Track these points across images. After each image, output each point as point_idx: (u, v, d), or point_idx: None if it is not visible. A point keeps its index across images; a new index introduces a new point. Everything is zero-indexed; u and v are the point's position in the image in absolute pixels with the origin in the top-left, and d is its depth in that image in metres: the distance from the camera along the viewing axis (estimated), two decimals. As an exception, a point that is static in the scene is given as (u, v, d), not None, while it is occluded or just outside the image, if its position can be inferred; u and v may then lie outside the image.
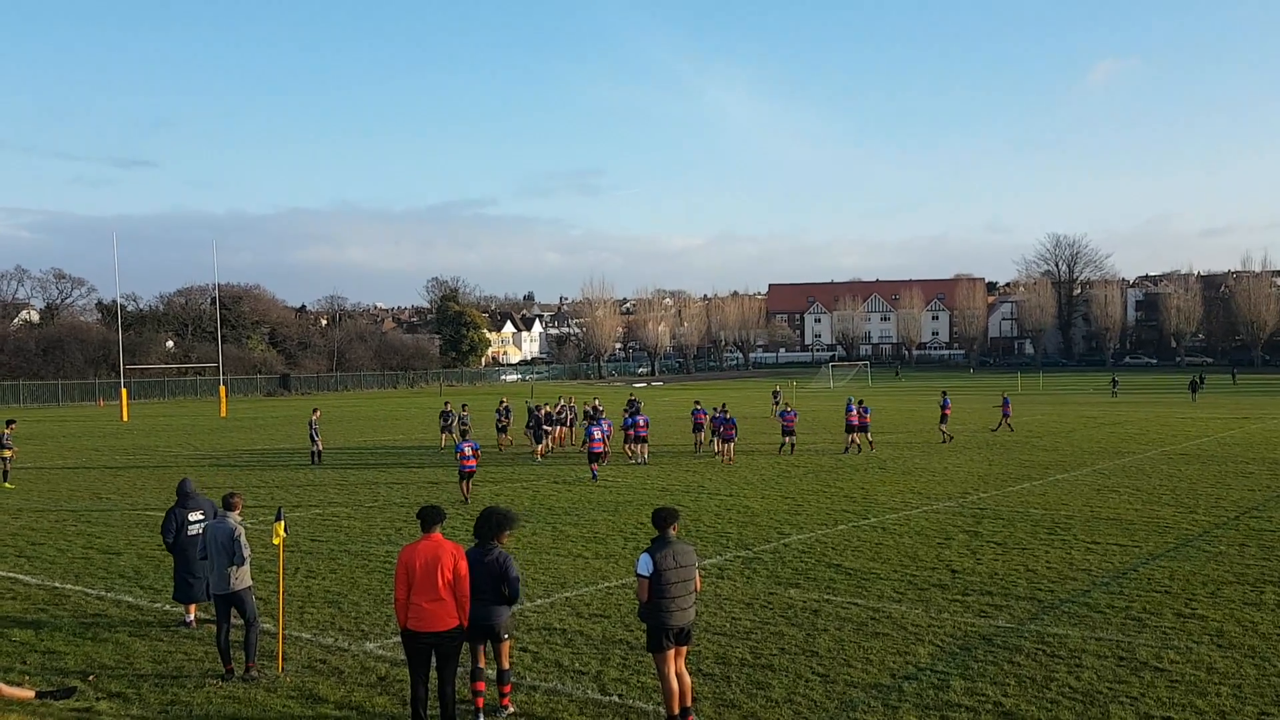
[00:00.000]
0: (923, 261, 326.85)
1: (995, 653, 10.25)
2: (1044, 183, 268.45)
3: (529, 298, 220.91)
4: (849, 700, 8.94)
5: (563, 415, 34.64)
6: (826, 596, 12.71)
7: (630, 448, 29.66)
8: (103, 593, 13.36)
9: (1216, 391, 71.86)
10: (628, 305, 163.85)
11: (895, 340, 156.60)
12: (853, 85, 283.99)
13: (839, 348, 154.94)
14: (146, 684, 9.54)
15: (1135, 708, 8.66)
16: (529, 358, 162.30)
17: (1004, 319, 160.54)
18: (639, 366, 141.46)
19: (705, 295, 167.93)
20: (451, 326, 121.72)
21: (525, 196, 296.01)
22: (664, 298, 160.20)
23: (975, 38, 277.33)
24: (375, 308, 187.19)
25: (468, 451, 21.59)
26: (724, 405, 30.19)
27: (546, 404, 33.62)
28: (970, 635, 10.91)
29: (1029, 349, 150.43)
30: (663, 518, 8.45)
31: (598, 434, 25.40)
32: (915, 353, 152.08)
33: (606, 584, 13.54)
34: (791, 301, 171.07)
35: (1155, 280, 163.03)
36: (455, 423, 33.23)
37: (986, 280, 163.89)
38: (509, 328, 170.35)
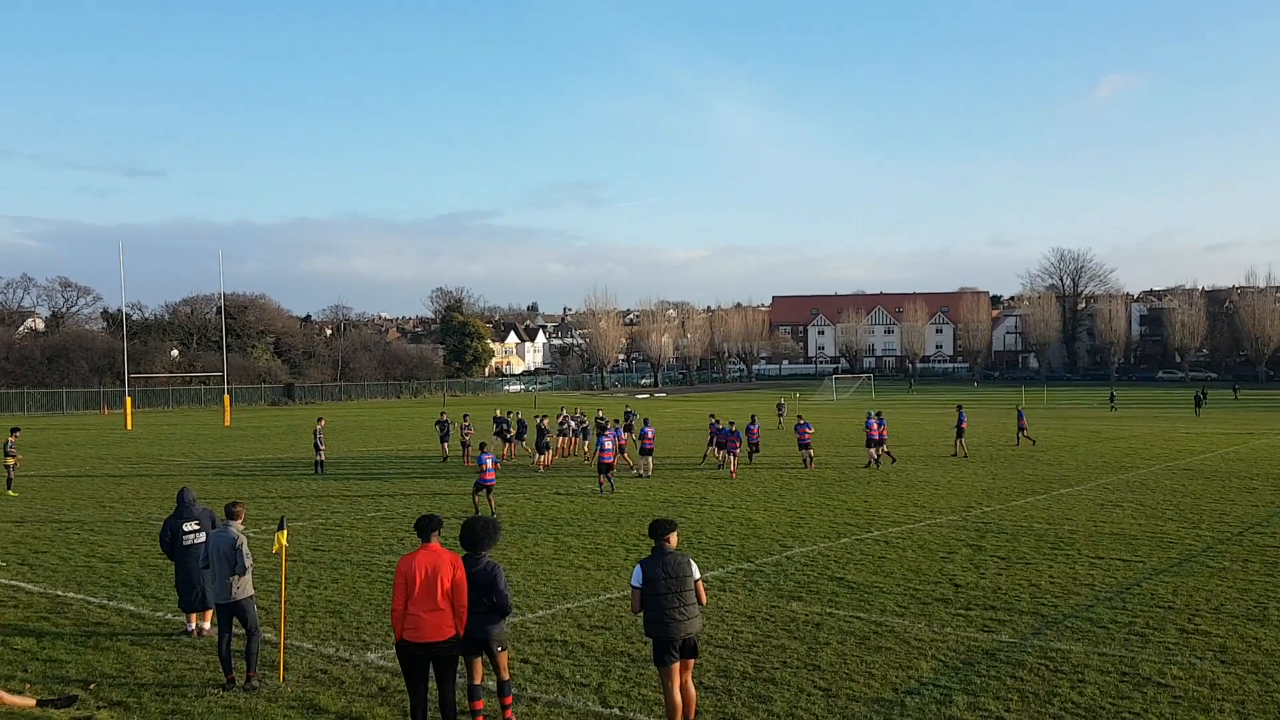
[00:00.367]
0: (926, 275, 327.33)
1: (998, 668, 10.22)
2: (1048, 197, 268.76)
3: (533, 308, 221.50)
4: (851, 715, 8.91)
5: (565, 426, 34.66)
6: (829, 610, 12.68)
7: (629, 457, 29.65)
8: (105, 601, 13.37)
9: (1219, 407, 71.69)
10: (631, 316, 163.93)
11: (899, 353, 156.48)
12: (857, 98, 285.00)
13: (842, 360, 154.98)
14: (148, 693, 9.55)
15: (1138, 724, 8.62)
16: (532, 368, 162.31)
17: (1008, 332, 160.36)
18: (642, 377, 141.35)
19: (709, 307, 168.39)
20: (455, 337, 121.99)
21: (530, 208, 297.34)
22: (667, 309, 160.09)
23: (980, 52, 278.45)
24: (380, 318, 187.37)
25: (488, 464, 21.15)
26: (739, 421, 30.24)
27: (546, 415, 33.64)
28: (973, 650, 10.88)
29: (1033, 363, 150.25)
30: (659, 529, 8.42)
31: (609, 444, 25.12)
32: (919, 365, 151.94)
33: (608, 595, 13.52)
34: (795, 313, 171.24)
35: (1160, 295, 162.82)
36: (456, 431, 33.20)
37: (991, 294, 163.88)
38: (513, 338, 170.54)
